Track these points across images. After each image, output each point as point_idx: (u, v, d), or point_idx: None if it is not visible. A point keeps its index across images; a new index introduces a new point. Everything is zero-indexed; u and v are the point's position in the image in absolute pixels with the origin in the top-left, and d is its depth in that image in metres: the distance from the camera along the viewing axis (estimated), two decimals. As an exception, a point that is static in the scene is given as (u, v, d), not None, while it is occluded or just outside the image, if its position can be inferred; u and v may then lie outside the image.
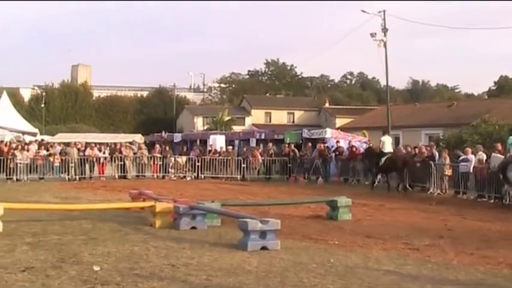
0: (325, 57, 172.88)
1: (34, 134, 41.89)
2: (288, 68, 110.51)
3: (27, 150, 30.19)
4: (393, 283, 7.47)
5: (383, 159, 23.73)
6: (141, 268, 8.00)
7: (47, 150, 30.97)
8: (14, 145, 31.57)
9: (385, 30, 41.20)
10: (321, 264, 8.50)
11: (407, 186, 23.72)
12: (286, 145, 32.87)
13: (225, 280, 7.37)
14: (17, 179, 28.68)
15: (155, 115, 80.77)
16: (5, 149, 30.03)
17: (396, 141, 35.77)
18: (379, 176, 26.00)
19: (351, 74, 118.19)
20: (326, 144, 31.75)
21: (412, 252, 9.83)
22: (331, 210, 14.05)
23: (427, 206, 17.70)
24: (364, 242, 10.64)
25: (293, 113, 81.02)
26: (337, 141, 31.81)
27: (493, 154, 20.62)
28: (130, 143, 34.92)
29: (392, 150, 24.95)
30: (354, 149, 29.39)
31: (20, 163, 29.17)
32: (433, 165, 23.02)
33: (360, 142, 32.76)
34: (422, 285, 7.42)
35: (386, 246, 10.25)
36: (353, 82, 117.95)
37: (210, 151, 33.19)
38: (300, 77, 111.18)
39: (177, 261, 8.49)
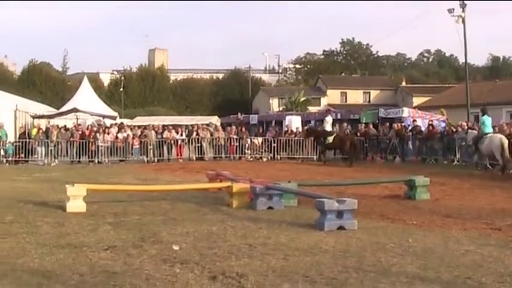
0: (402, 35, 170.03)
1: (114, 118, 42.82)
2: (364, 47, 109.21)
3: (108, 134, 30.97)
4: (474, 263, 7.29)
5: (330, 138, 27.07)
6: (219, 247, 8.09)
7: (126, 132, 31.65)
8: (95, 128, 32.41)
9: (463, 5, 39.99)
10: (399, 244, 8.40)
11: (488, 165, 23.25)
12: (363, 125, 32.58)
13: (302, 259, 7.37)
14: (98, 162, 29.50)
15: (231, 97, 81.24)
16: (87, 133, 30.92)
17: (476, 120, 34.83)
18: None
19: (428, 51, 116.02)
20: (403, 124, 31.33)
21: (494, 232, 9.56)
22: (409, 190, 13.85)
23: (510, 185, 17.19)
24: (443, 222, 10.43)
25: (369, 93, 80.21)
26: (414, 120, 31.33)
27: (469, 130, 25.84)
28: (207, 124, 35.34)
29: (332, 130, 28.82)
30: (432, 128, 28.88)
31: (101, 146, 29.98)
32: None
33: (438, 121, 32.20)
34: (506, 266, 7.22)
35: (466, 226, 10.01)
36: (430, 60, 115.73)
37: (286, 132, 33.24)
38: (375, 56, 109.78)
39: (255, 241, 8.54)
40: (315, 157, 30.62)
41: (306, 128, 32.44)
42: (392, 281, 6.39)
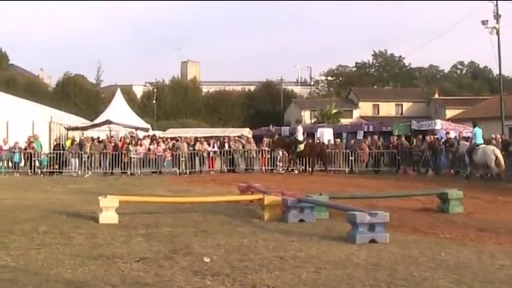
0: (434, 47, 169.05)
1: (146, 130, 43.17)
2: (396, 59, 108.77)
3: (141, 145, 31.22)
4: (509, 278, 7.19)
5: (301, 146, 27.82)
6: (250, 260, 8.09)
7: (158, 144, 31.86)
8: (128, 140, 32.69)
9: (497, 16, 39.56)
10: (432, 257, 8.32)
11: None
12: (395, 137, 32.40)
13: (334, 273, 7.34)
14: (131, 173, 29.73)
15: (263, 109, 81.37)
16: (120, 144, 31.21)
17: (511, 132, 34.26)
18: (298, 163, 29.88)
19: (461, 63, 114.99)
20: (436, 136, 31.06)
21: (529, 246, 9.43)
22: (441, 203, 13.72)
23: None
24: (477, 236, 10.30)
25: (401, 105, 79.73)
26: (447, 133, 31.04)
27: (461, 142, 27.81)
28: (239, 137, 35.37)
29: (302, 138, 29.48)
30: (465, 141, 28.58)
31: (134, 158, 30.22)
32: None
33: (471, 133, 31.87)
34: (541, 281, 7.11)
35: (500, 241, 9.87)
36: (463, 72, 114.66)
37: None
38: (408, 68, 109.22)
39: (286, 254, 8.53)
40: (346, 169, 30.52)
41: (271, 139, 32.71)
42: (425, 296, 6.33)
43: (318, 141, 33.98)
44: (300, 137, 29.46)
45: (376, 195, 16.56)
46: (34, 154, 29.65)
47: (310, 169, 29.28)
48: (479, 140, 24.01)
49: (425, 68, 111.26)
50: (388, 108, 78.81)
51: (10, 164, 29.92)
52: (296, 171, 30.43)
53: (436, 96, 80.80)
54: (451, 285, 6.80)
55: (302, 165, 30.82)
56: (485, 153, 23.25)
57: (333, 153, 31.21)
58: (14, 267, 7.62)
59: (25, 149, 29.87)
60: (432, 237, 10.15)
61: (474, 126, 25.04)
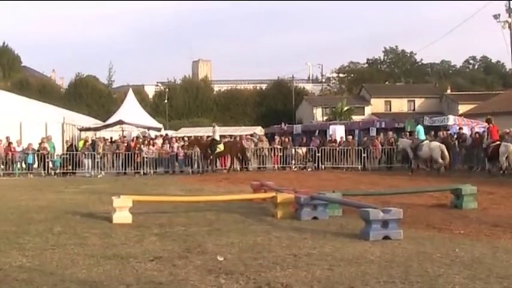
0: (446, 42, 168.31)
1: (159, 129, 43.28)
2: (408, 55, 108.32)
3: (153, 145, 31.30)
4: (524, 274, 7.17)
5: (220, 146, 28.36)
6: (264, 258, 8.09)
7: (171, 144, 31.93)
8: (140, 140, 32.78)
9: (510, 10, 39.32)
10: (446, 254, 8.28)
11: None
12: (408, 133, 32.28)
13: (347, 270, 7.33)
14: (144, 173, 29.82)
15: (274, 107, 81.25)
16: (132, 145, 31.32)
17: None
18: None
19: (474, 58, 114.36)
20: (449, 132, 30.93)
21: (544, 242, 9.37)
22: (455, 199, 13.66)
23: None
24: (491, 231, 10.23)
25: (413, 101, 79.48)
26: (460, 128, 30.90)
27: (400, 139, 29.82)
28: (251, 135, 35.40)
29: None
30: (478, 136, 28.45)
31: (147, 157, 30.32)
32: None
33: (484, 128, 31.68)
34: (557, 276, 7.05)
35: (515, 236, 9.83)
36: (476, 67, 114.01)
37: (330, 141, 33.12)
38: (419, 63, 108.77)
39: (299, 251, 8.52)
40: (359, 166, 30.47)
41: (188, 139, 33.39)
42: (440, 292, 6.31)
43: (319, 139, 33.86)
44: (217, 137, 29.80)
45: (390, 191, 16.51)
46: (47, 155, 29.80)
47: (231, 168, 29.75)
48: (422, 136, 26.96)
49: (437, 64, 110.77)
50: (400, 105, 78.57)
51: (24, 165, 30.11)
52: (309, 169, 30.42)
53: (449, 91, 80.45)
54: (466, 281, 6.76)
55: (314, 162, 30.82)
56: (431, 149, 25.99)
57: (345, 150, 31.17)
58: (29, 267, 7.67)
59: (38, 150, 30.04)
60: (446, 233, 10.10)
61: (417, 124, 29.15)
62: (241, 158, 30.40)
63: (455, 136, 29.91)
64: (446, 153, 25.93)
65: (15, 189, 21.13)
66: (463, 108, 64.23)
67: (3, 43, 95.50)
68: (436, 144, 26.54)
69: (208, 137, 34.28)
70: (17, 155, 29.87)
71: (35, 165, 30.44)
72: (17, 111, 33.01)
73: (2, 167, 29.57)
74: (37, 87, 76.90)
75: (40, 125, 32.72)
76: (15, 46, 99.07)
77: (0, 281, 6.95)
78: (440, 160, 25.83)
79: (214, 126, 30.79)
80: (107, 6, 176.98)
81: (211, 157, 29.22)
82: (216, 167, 30.12)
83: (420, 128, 27.47)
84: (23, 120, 32.77)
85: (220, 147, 28.74)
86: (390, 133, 33.30)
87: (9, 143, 30.29)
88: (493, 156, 24.87)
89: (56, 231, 10.61)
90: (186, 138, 34.65)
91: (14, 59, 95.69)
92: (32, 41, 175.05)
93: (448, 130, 31.58)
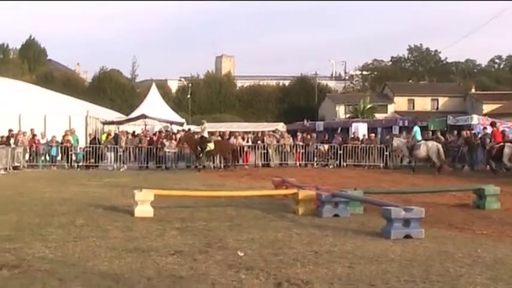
0: (471, 41, 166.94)
1: (181, 124, 43.38)
2: (432, 53, 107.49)
3: (175, 140, 31.40)
4: (547, 275, 7.10)
5: (211, 145, 27.49)
6: (285, 254, 8.10)
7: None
8: (162, 135, 32.90)
9: (536, 10, 38.88)
10: (468, 254, 8.23)
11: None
12: (430, 132, 32.10)
13: (368, 268, 7.32)
14: (165, 167, 29.93)
15: (297, 104, 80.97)
16: (155, 139, 31.46)
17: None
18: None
19: (499, 57, 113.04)
20: (473, 131, 30.68)
21: None
22: (478, 199, 13.57)
23: None
24: (514, 232, 10.17)
25: (437, 100, 78.78)
26: (484, 128, 30.62)
27: (395, 138, 30.25)
28: (273, 131, 35.39)
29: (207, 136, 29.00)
30: (502, 136, 28.19)
31: (169, 152, 30.42)
32: None
33: (509, 128, 31.42)
34: None
35: (539, 237, 9.74)
36: (501, 66, 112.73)
37: (352, 139, 33.02)
38: (444, 62, 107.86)
39: (320, 248, 8.52)
40: (381, 164, 30.36)
41: (180, 136, 32.09)
42: (461, 292, 6.28)
43: (341, 137, 33.71)
44: (206, 134, 29.14)
45: (412, 190, 16.45)
46: (71, 148, 30.04)
47: (222, 166, 29.36)
48: (419, 136, 28.07)
49: (461, 63, 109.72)
50: (423, 103, 77.96)
51: (48, 158, 30.39)
52: (331, 166, 30.37)
53: (473, 91, 79.72)
54: (488, 281, 6.72)
55: (336, 160, 30.75)
56: (429, 148, 27.11)
57: (367, 148, 31.07)
58: (52, 258, 7.75)
59: (62, 142, 30.30)
60: (468, 234, 10.04)
61: (414, 125, 30.33)
62: (231, 156, 29.82)
63: (479, 136, 29.62)
64: (442, 153, 27.08)
65: (39, 181, 21.34)
66: (487, 107, 63.69)
67: (30, 36, 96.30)
68: (433, 144, 27.59)
69: (230, 132, 34.36)
70: (41, 147, 30.15)
71: (59, 158, 30.70)
72: (41, 104, 33.30)
73: (27, 158, 29.84)
74: (61, 81, 77.41)
75: (64, 117, 32.98)
76: (41, 39, 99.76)
77: (24, 271, 7.04)
78: (436, 159, 27.00)
79: (203, 124, 30.29)
80: (133, 2, 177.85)
81: (201, 155, 28.57)
82: (200, 164, 29.06)
83: (417, 129, 28.63)
84: (48, 112, 33.04)
85: (211, 146, 28.17)
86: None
87: (34, 135, 30.61)
88: (497, 157, 26.00)
89: (78, 223, 10.72)
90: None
91: (40, 52, 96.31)
92: (58, 34, 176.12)
93: (472, 130, 31.30)
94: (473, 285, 6.53)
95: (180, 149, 30.60)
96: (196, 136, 29.70)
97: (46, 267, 7.22)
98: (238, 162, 30.28)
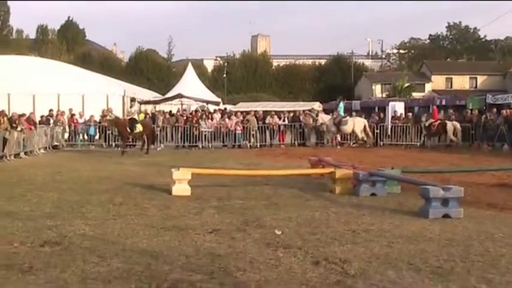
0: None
1: (217, 103, 43.46)
2: (471, 31, 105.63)
3: (212, 119, 31.50)
4: None
5: (139, 126, 26.55)
6: (322, 233, 8.10)
7: (230, 118, 32.04)
8: (199, 114, 33.01)
9: None
10: (508, 234, 8.13)
11: None
12: (469, 111, 31.68)
13: (406, 247, 7.28)
14: (202, 146, 30.08)
15: (333, 83, 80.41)
16: (191, 118, 31.60)
17: None
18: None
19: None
20: (512, 110, 30.17)
21: None
22: (518, 179, 13.41)
23: None
24: (556, 212, 10.02)
25: (476, 78, 77.56)
26: (526, 106, 30.12)
27: (320, 114, 32.00)
28: (310, 110, 35.21)
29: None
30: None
31: (205, 131, 30.54)
32: None
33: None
34: None
35: None
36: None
37: (393, 118, 32.77)
38: (483, 40, 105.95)
39: (358, 227, 8.50)
40: (418, 143, 30.09)
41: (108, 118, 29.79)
42: (502, 272, 6.21)
43: (378, 116, 33.39)
44: (136, 116, 28.14)
45: (450, 169, 16.29)
46: (108, 127, 30.30)
47: (146, 148, 26.68)
48: (342, 112, 30.47)
49: (501, 40, 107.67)
50: (461, 82, 76.87)
51: (86, 137, 30.76)
52: (368, 146, 30.22)
53: (513, 69, 78.35)
54: (529, 262, 6.64)
55: (374, 139, 30.58)
56: (355, 124, 29.49)
57: (404, 127, 30.83)
58: (92, 236, 7.87)
59: (99, 122, 30.60)
60: (508, 213, 9.92)
61: (339, 101, 33.15)
62: (147, 138, 27.31)
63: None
64: (368, 130, 29.74)
65: (78, 160, 21.65)
66: (528, 86, 62.59)
67: (69, 17, 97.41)
68: (360, 119, 30.34)
69: (266, 111, 34.33)
70: (79, 126, 30.54)
71: (97, 137, 31.04)
72: (79, 84, 33.59)
73: (66, 138, 30.24)
74: (99, 61, 78.11)
75: (102, 97, 33.25)
76: (79, 20, 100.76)
77: (65, 248, 7.16)
78: (361, 135, 29.55)
79: (132, 106, 30.01)
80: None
81: (129, 136, 27.27)
82: (124, 147, 26.87)
83: (341, 106, 31.22)
84: (85, 92, 33.36)
85: (139, 127, 26.73)
86: (451, 111, 32.70)
87: (72, 115, 30.98)
88: (437, 133, 29.30)
89: (117, 201, 10.85)
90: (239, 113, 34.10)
91: (78, 33, 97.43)
92: (96, 15, 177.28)
93: (512, 108, 30.79)
94: (514, 266, 6.46)
95: (216, 128, 30.71)
96: (124, 118, 28.56)
97: (86, 244, 7.34)
98: (154, 144, 28.43)
